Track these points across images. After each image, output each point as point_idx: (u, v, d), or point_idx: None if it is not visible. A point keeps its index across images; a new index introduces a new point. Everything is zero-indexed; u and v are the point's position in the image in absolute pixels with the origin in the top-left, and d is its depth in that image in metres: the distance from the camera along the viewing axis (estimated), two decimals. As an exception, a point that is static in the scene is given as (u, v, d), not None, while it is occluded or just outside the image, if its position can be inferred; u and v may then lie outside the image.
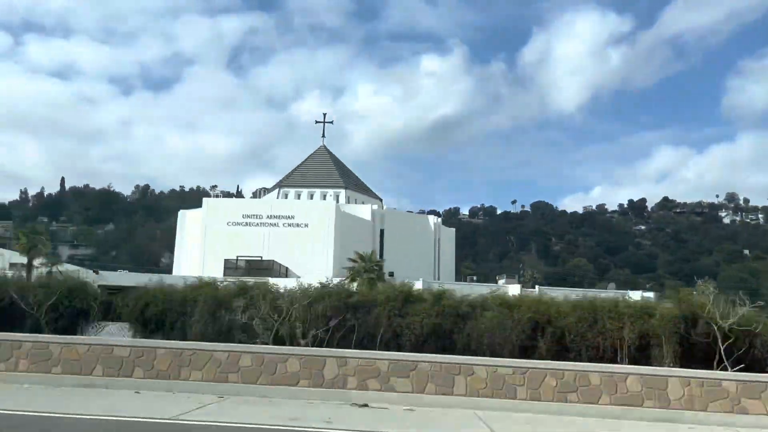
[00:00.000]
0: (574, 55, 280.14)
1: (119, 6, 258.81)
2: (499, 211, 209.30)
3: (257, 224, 48.12)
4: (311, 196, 60.77)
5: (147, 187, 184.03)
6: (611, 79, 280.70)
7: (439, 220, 59.92)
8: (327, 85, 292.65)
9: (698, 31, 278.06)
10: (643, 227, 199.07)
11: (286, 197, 60.51)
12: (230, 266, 43.61)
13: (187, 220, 59.23)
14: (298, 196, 60.77)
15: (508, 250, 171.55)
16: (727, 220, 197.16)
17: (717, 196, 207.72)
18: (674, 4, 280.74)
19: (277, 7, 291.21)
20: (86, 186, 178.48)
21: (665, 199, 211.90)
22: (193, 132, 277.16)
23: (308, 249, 46.39)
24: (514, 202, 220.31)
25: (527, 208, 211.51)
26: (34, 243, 41.78)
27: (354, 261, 39.95)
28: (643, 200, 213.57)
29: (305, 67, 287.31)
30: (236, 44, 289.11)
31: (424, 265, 55.15)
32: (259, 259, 44.17)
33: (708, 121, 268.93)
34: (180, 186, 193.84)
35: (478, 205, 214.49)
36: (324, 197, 60.78)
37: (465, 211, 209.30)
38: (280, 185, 61.82)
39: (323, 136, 66.65)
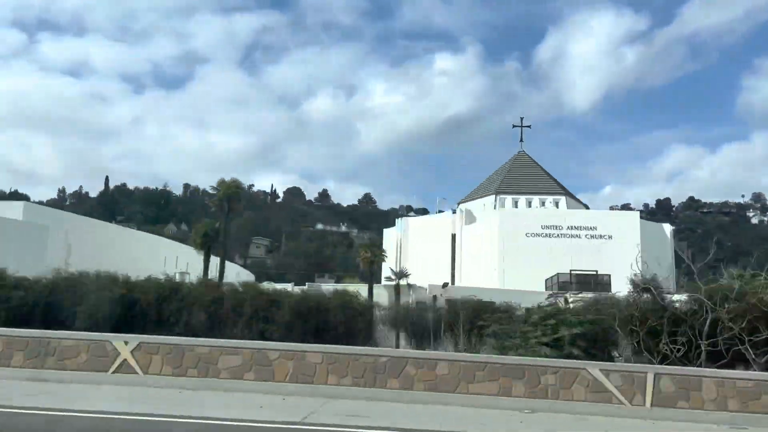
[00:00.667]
0: (589, 54, 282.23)
1: (133, 4, 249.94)
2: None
3: (557, 236, 46.64)
4: (529, 204, 59.57)
5: (190, 186, 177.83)
6: (625, 77, 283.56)
7: (672, 228, 59.03)
8: (339, 84, 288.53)
9: (715, 29, 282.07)
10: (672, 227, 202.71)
11: (503, 206, 59.15)
12: (564, 281, 41.86)
13: (410, 227, 57.72)
14: (515, 204, 59.50)
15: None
16: (754, 221, 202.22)
17: (743, 196, 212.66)
18: (692, 2, 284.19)
19: (290, 5, 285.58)
20: (123, 185, 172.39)
21: (691, 198, 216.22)
22: (205, 130, 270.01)
23: (612, 262, 44.96)
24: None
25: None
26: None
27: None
28: (668, 200, 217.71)
29: (318, 66, 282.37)
30: (249, 42, 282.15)
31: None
32: (594, 273, 42.64)
33: (721, 119, 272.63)
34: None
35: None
36: (542, 203, 59.70)
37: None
38: (496, 193, 60.30)
39: (521, 140, 65.37)
